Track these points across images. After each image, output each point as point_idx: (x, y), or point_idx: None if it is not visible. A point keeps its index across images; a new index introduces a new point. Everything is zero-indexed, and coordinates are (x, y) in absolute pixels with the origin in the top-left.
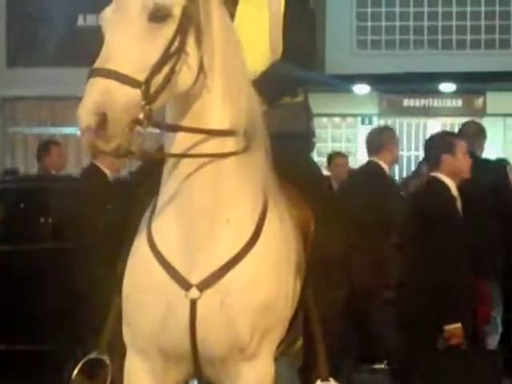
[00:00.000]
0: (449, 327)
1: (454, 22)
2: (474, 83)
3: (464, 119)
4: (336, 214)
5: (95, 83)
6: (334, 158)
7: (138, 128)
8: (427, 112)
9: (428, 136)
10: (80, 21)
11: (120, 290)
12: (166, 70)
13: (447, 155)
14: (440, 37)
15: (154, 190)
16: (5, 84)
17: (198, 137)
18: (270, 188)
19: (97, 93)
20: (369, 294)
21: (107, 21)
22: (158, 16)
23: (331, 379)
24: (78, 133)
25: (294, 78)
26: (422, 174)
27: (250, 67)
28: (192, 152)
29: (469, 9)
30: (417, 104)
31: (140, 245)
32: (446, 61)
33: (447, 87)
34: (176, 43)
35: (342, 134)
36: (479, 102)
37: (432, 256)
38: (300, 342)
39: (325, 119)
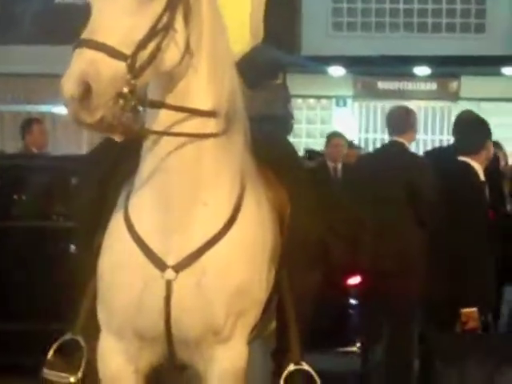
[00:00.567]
0: (465, 310)
1: (430, 6)
2: (448, 67)
3: (438, 103)
4: (314, 197)
5: (81, 54)
6: (332, 138)
7: (121, 101)
8: (402, 95)
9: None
10: None
11: (95, 271)
12: (152, 45)
13: (489, 141)
14: (416, 20)
15: (131, 167)
16: None
17: (180, 115)
18: (248, 171)
19: (82, 63)
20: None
21: None
22: None
23: (303, 363)
24: (54, 111)
25: (276, 62)
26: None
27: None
28: (173, 130)
29: None
30: (391, 87)
31: (116, 224)
32: (422, 44)
33: (422, 70)
34: (164, 19)
35: (317, 116)
36: (454, 85)
37: (458, 234)
38: (273, 326)
39: (300, 101)
